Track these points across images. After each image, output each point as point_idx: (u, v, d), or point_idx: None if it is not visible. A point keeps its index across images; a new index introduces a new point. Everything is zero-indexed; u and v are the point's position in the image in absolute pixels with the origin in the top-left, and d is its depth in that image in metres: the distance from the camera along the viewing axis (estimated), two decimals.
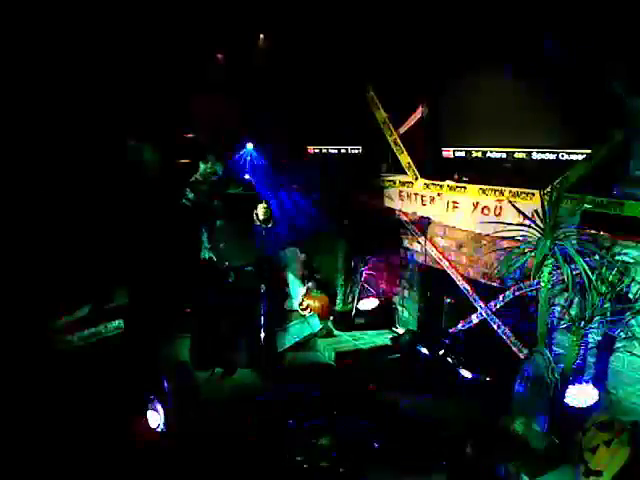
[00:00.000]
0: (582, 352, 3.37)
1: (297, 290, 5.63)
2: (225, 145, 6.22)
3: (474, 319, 4.27)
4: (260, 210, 3.62)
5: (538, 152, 3.75)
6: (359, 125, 5.41)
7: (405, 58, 4.75)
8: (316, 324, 4.96)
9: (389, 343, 4.79)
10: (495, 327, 4.06)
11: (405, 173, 4.90)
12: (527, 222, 3.38)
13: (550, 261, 3.26)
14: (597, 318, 3.23)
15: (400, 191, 4.96)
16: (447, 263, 4.49)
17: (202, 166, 3.70)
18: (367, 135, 5.33)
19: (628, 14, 3.10)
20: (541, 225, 3.27)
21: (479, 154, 4.21)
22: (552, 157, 3.67)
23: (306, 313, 5.25)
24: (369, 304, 5.23)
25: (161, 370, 3.66)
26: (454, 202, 4.39)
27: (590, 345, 3.40)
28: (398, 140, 4.94)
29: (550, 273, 3.28)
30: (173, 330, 4.83)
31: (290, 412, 3.54)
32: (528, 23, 3.71)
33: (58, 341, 4.37)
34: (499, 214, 3.94)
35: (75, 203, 5.37)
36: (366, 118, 5.26)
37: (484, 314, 4.14)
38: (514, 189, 3.84)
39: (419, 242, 4.80)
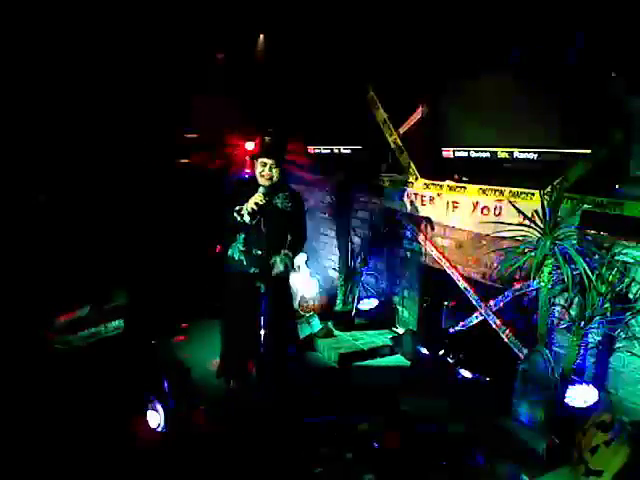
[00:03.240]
0: (582, 352, 3.38)
1: (297, 290, 5.63)
2: (225, 145, 6.25)
3: (474, 319, 4.27)
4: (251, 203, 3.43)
5: (538, 152, 3.75)
6: (359, 125, 5.42)
7: (405, 58, 4.75)
8: (316, 324, 4.96)
9: (389, 343, 4.80)
10: (495, 327, 4.06)
11: (405, 173, 4.90)
12: (527, 222, 3.39)
13: (550, 261, 3.26)
14: (597, 318, 3.23)
15: (400, 191, 4.96)
16: (447, 263, 4.49)
17: (260, 168, 3.56)
18: (367, 135, 5.33)
19: (628, 14, 3.10)
20: (541, 225, 3.27)
21: (479, 154, 4.21)
22: (552, 157, 3.67)
23: (306, 313, 5.25)
24: (369, 304, 5.23)
25: (161, 370, 3.65)
26: (454, 202, 4.39)
27: (590, 345, 3.40)
28: (398, 140, 4.94)
29: (550, 273, 3.28)
30: (173, 330, 4.84)
31: (290, 412, 3.55)
32: (528, 24, 3.72)
33: (58, 341, 4.37)
34: (499, 214, 3.94)
35: (75, 203, 5.38)
36: (366, 118, 5.26)
37: (484, 314, 4.14)
38: (514, 189, 3.84)
39: (419, 242, 4.80)
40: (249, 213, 3.41)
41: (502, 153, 4.05)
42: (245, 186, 3.62)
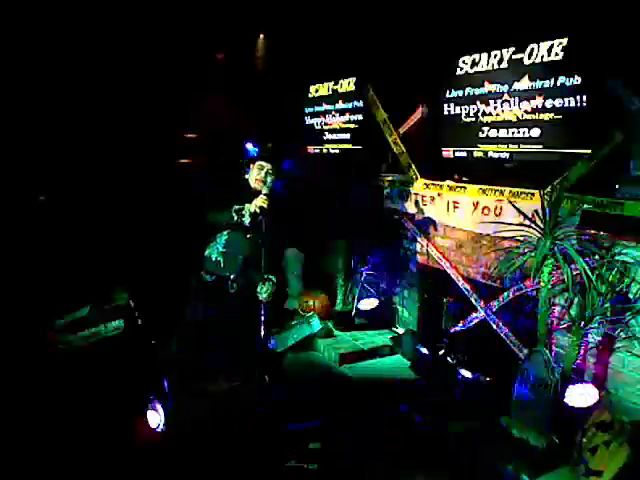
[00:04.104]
0: (582, 352, 3.38)
1: (297, 290, 5.63)
2: (225, 145, 6.25)
3: (474, 319, 4.27)
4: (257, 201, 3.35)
5: (538, 152, 3.75)
6: (359, 125, 5.41)
7: (405, 58, 4.75)
8: (316, 324, 4.96)
9: (389, 343, 4.80)
10: (495, 327, 4.06)
11: (405, 173, 4.90)
12: (527, 222, 3.39)
13: (550, 261, 3.26)
14: (597, 318, 3.22)
15: (400, 191, 4.96)
16: (447, 263, 4.49)
17: (257, 172, 3.48)
18: (367, 135, 5.33)
19: (628, 13, 3.10)
20: (541, 225, 3.27)
21: (479, 154, 4.20)
22: (552, 157, 3.67)
23: (306, 313, 5.25)
24: (369, 304, 5.23)
25: (161, 370, 3.65)
26: (454, 202, 4.39)
27: (590, 345, 3.40)
28: (398, 140, 4.94)
29: (550, 273, 3.28)
30: (173, 330, 4.84)
31: (289, 413, 3.55)
32: (527, 23, 3.72)
33: (58, 341, 4.37)
34: (499, 214, 3.94)
35: (75, 203, 5.38)
36: (366, 118, 5.27)
37: (484, 314, 4.14)
38: (514, 189, 3.84)
39: (419, 242, 4.80)
40: (250, 214, 3.37)
41: (500, 152, 4.04)
42: (233, 187, 3.58)
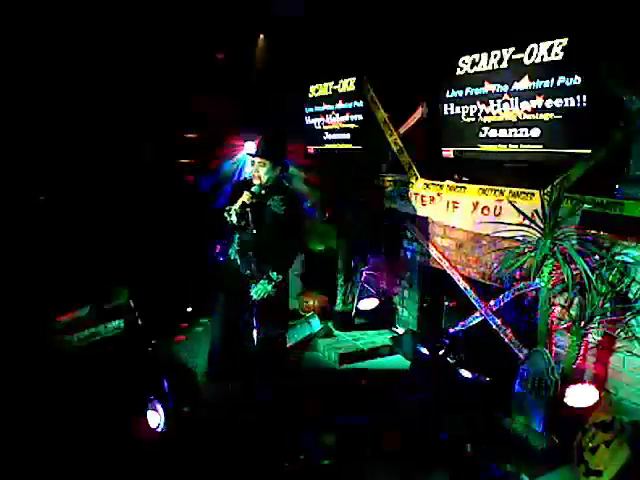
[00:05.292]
0: (582, 352, 3.38)
1: (297, 290, 5.63)
2: (224, 145, 6.25)
3: (474, 319, 4.27)
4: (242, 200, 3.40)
5: (538, 152, 3.75)
6: (359, 125, 5.41)
7: (405, 58, 4.75)
8: (316, 324, 4.96)
9: (389, 343, 4.80)
10: (495, 327, 4.06)
11: (405, 173, 4.90)
12: (527, 222, 3.39)
13: (550, 261, 3.26)
14: (597, 318, 3.23)
15: (400, 191, 4.96)
16: (447, 263, 4.49)
17: (252, 168, 3.53)
18: (367, 135, 5.33)
19: (628, 13, 3.10)
20: (541, 225, 3.27)
21: (479, 154, 4.20)
22: (552, 157, 3.67)
23: (306, 313, 5.25)
24: (369, 304, 5.23)
25: (161, 370, 3.65)
26: (454, 202, 4.39)
27: (590, 345, 3.40)
28: (398, 140, 4.94)
29: (550, 273, 3.28)
30: (173, 330, 4.85)
31: (290, 412, 3.55)
32: (527, 23, 3.72)
33: (58, 341, 4.37)
34: (499, 214, 3.94)
35: (75, 203, 5.38)
36: (366, 118, 5.26)
37: (484, 314, 4.14)
38: (514, 189, 3.84)
39: (419, 242, 4.80)
40: (236, 213, 3.38)
41: (500, 152, 4.04)
42: (245, 187, 3.60)
